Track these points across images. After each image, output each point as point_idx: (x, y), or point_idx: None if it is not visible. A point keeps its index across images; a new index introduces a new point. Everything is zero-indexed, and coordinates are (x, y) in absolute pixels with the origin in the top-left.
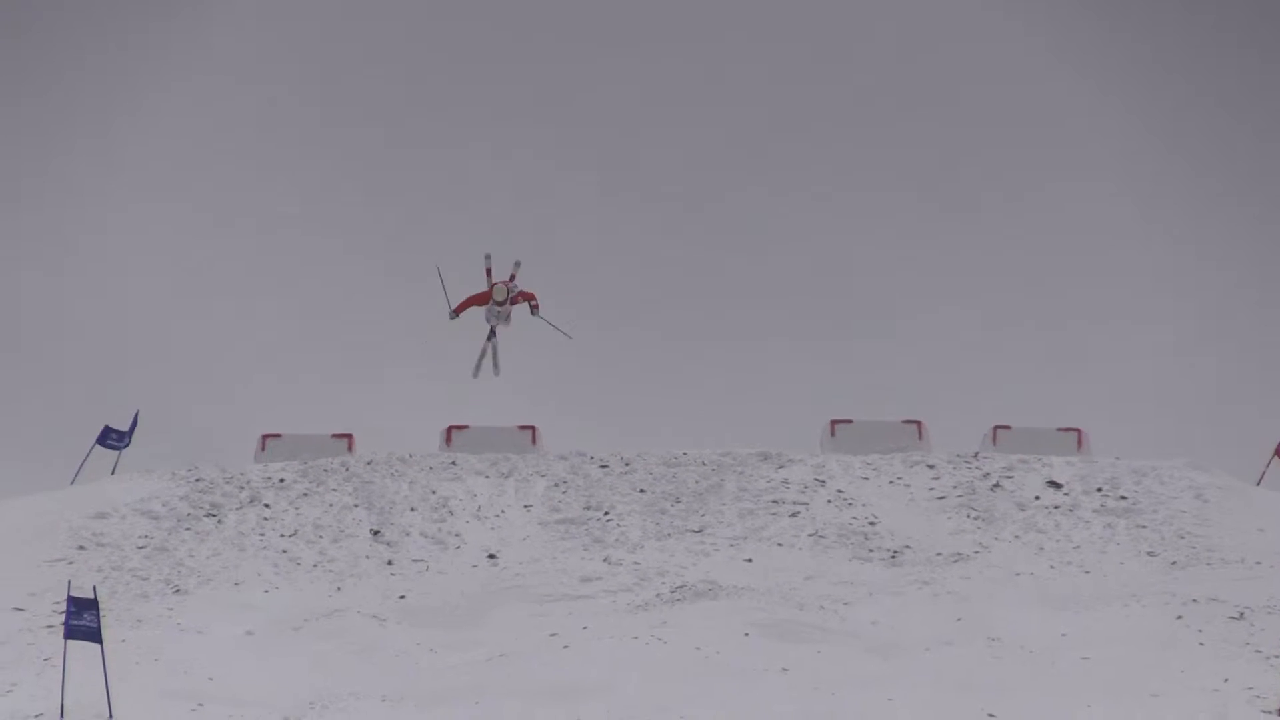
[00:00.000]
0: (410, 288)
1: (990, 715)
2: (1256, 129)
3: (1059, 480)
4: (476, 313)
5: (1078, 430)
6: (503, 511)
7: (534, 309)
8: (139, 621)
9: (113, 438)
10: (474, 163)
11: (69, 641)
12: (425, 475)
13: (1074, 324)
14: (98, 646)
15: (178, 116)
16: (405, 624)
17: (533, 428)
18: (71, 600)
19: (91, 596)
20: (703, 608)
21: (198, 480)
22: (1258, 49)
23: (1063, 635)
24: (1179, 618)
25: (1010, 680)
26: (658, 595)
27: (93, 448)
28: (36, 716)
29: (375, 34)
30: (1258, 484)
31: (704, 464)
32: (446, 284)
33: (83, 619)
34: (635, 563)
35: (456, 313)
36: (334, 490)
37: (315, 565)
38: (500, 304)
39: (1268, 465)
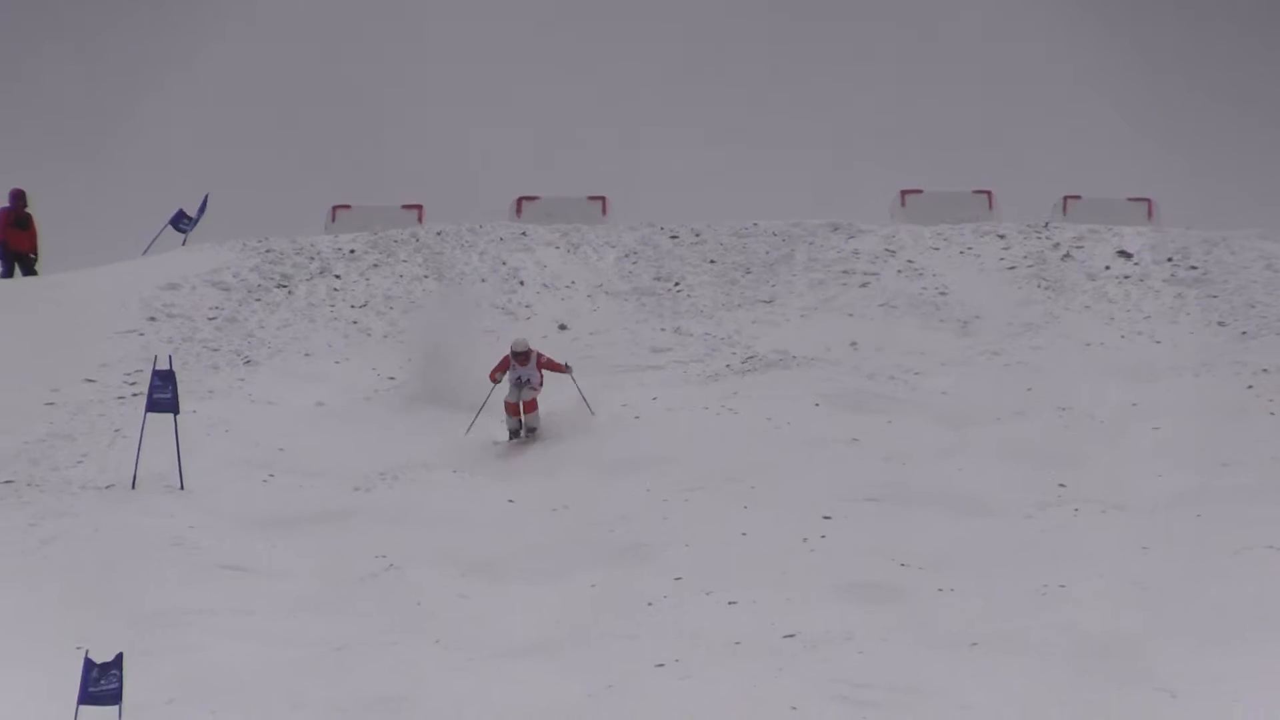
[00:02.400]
0: None
1: (1060, 485)
2: None
3: (1129, 250)
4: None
5: (1148, 200)
6: (572, 282)
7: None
8: (210, 393)
9: (184, 221)
10: None
11: (148, 414)
12: (495, 246)
13: (1156, 93)
14: (170, 418)
15: None
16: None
17: (603, 198)
18: (156, 374)
19: (170, 369)
20: (773, 378)
21: (268, 251)
22: None
23: (1133, 405)
24: (1249, 387)
25: (1080, 450)
26: (728, 366)
27: (165, 228)
28: (107, 487)
29: None
30: None
31: (774, 234)
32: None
33: (165, 392)
34: (705, 333)
35: (493, 379)
36: (404, 261)
37: (385, 336)
38: (520, 356)
39: None
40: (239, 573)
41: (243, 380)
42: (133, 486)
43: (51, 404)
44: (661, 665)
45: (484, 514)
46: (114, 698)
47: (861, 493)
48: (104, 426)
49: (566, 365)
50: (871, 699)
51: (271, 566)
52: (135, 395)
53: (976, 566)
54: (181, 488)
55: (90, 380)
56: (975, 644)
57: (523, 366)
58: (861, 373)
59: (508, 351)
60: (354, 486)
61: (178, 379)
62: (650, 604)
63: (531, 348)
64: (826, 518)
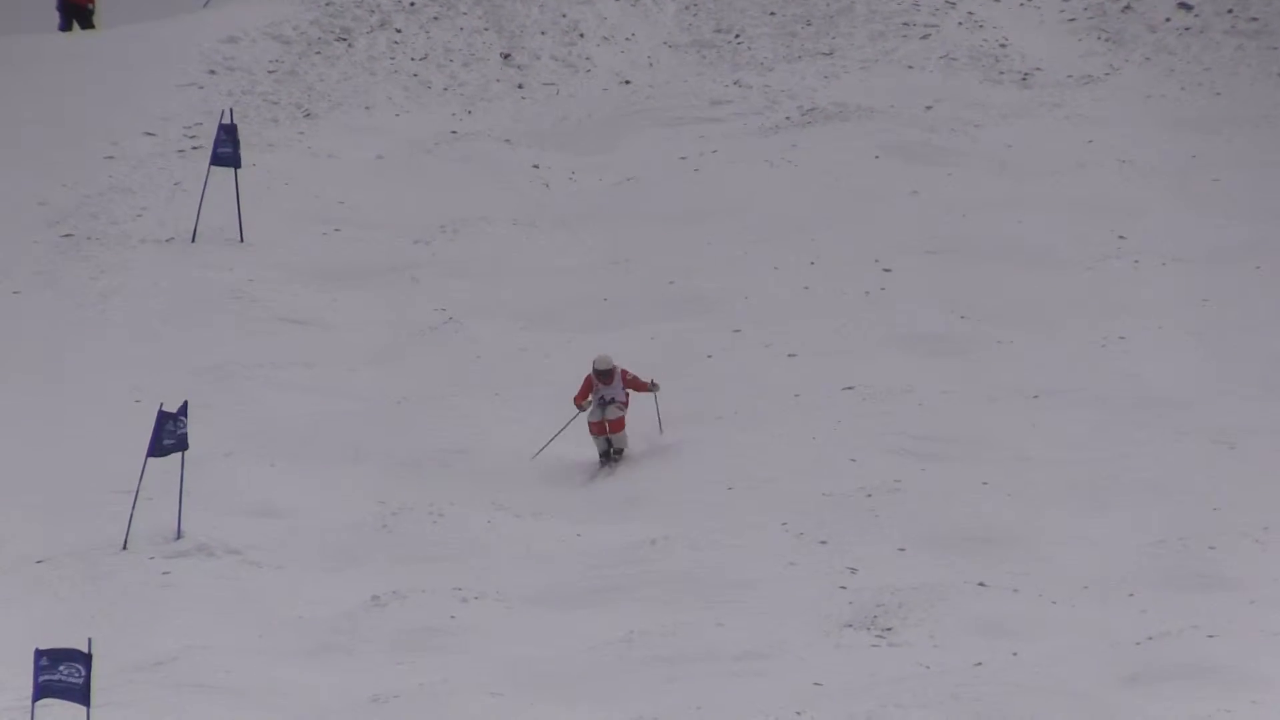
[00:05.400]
0: None
1: (1121, 237)
2: None
3: (1189, 2)
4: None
5: None
6: (633, 35)
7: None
8: (269, 146)
9: None
10: None
11: (211, 168)
12: None
13: None
14: (231, 172)
15: None
16: (535, 148)
17: None
18: (221, 128)
19: (233, 123)
20: (833, 129)
21: (328, 4)
22: None
23: (1193, 157)
24: None
25: (1140, 202)
26: (787, 118)
27: None
28: (167, 240)
29: None
30: None
31: None
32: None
33: (227, 146)
34: (765, 85)
35: (579, 405)
36: (464, 14)
37: (445, 89)
38: (604, 375)
39: None
40: (298, 326)
41: (302, 134)
42: (193, 240)
43: (111, 158)
44: (720, 418)
45: (543, 266)
46: (182, 444)
47: (922, 245)
48: (163, 180)
49: (653, 383)
50: (930, 451)
51: (331, 320)
52: (195, 149)
53: (1037, 319)
54: (241, 241)
55: (150, 134)
56: (1035, 396)
57: (607, 386)
58: (922, 125)
59: (590, 371)
60: (414, 240)
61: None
62: (709, 356)
63: (615, 364)
64: (887, 270)
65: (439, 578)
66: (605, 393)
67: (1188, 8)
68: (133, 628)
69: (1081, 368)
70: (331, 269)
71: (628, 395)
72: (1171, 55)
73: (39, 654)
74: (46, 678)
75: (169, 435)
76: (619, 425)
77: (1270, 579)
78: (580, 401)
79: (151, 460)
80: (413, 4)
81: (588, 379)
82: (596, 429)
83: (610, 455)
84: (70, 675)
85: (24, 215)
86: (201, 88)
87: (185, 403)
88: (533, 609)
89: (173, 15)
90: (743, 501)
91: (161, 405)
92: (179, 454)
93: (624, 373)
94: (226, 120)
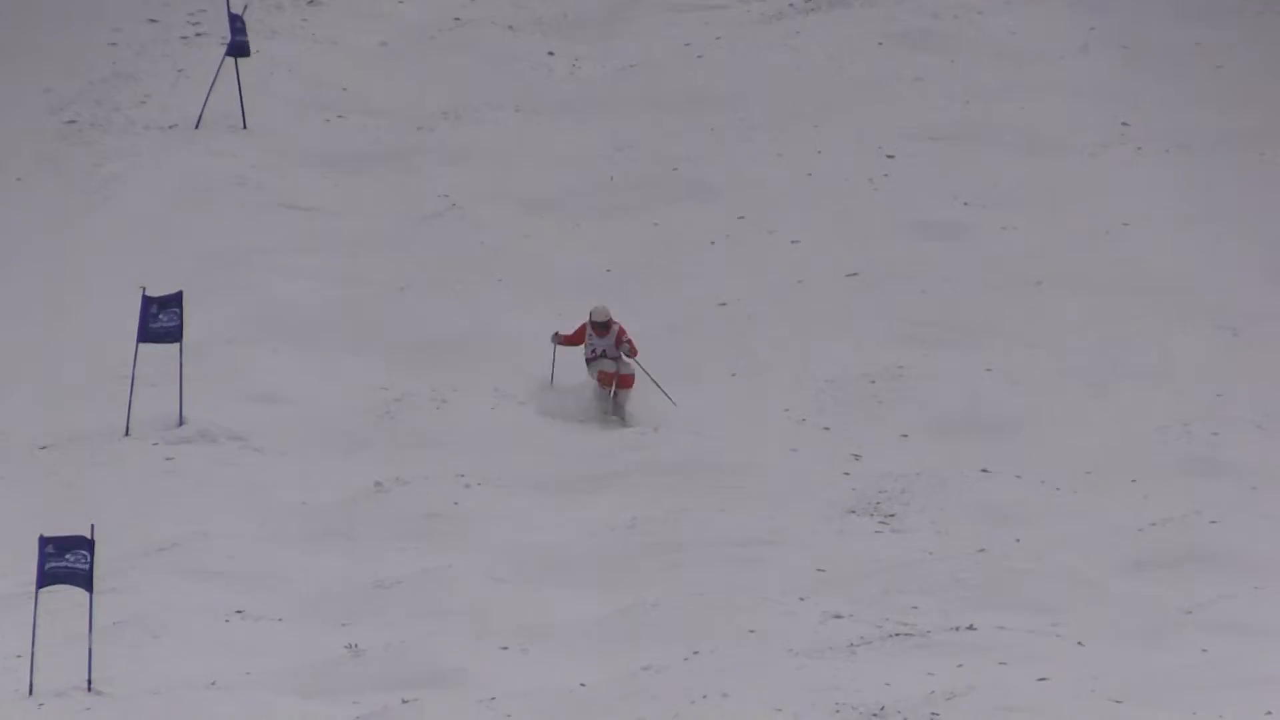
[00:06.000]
0: None
1: (1124, 124)
2: None
3: None
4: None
5: None
6: None
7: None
8: (273, 33)
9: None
10: None
11: (225, 58)
12: None
13: None
14: (232, 60)
15: None
16: (539, 34)
17: None
18: (232, 16)
19: (242, 14)
20: (836, 16)
21: None
22: None
23: (1196, 44)
24: None
25: (1143, 88)
26: (791, 5)
27: None
28: (170, 127)
29: None
30: None
31: None
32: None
33: (243, 35)
34: None
35: (564, 340)
36: None
37: None
38: (600, 327)
39: None
40: (301, 212)
41: (305, 21)
42: (196, 127)
43: (114, 44)
44: (724, 304)
45: (546, 153)
46: (174, 335)
47: (925, 132)
48: (167, 67)
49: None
50: (935, 336)
51: (333, 206)
52: (199, 35)
53: (1040, 205)
54: (244, 128)
55: (153, 20)
56: (1038, 283)
57: (601, 338)
58: (925, 12)
59: (585, 320)
60: (417, 126)
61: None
62: (713, 243)
63: (613, 319)
64: (890, 157)
65: (441, 464)
66: (598, 345)
67: None
68: (136, 513)
69: (1084, 254)
70: (334, 155)
71: (622, 356)
72: None
73: (44, 541)
74: (53, 565)
75: (157, 322)
76: (629, 381)
77: (1272, 464)
78: (566, 339)
79: (153, 347)
80: None
81: (582, 327)
82: (605, 380)
83: (609, 413)
84: (77, 562)
85: (27, 102)
86: None
87: (180, 292)
88: (535, 495)
89: None
90: (745, 388)
91: (144, 289)
92: (177, 342)
93: (621, 331)
94: (236, 8)
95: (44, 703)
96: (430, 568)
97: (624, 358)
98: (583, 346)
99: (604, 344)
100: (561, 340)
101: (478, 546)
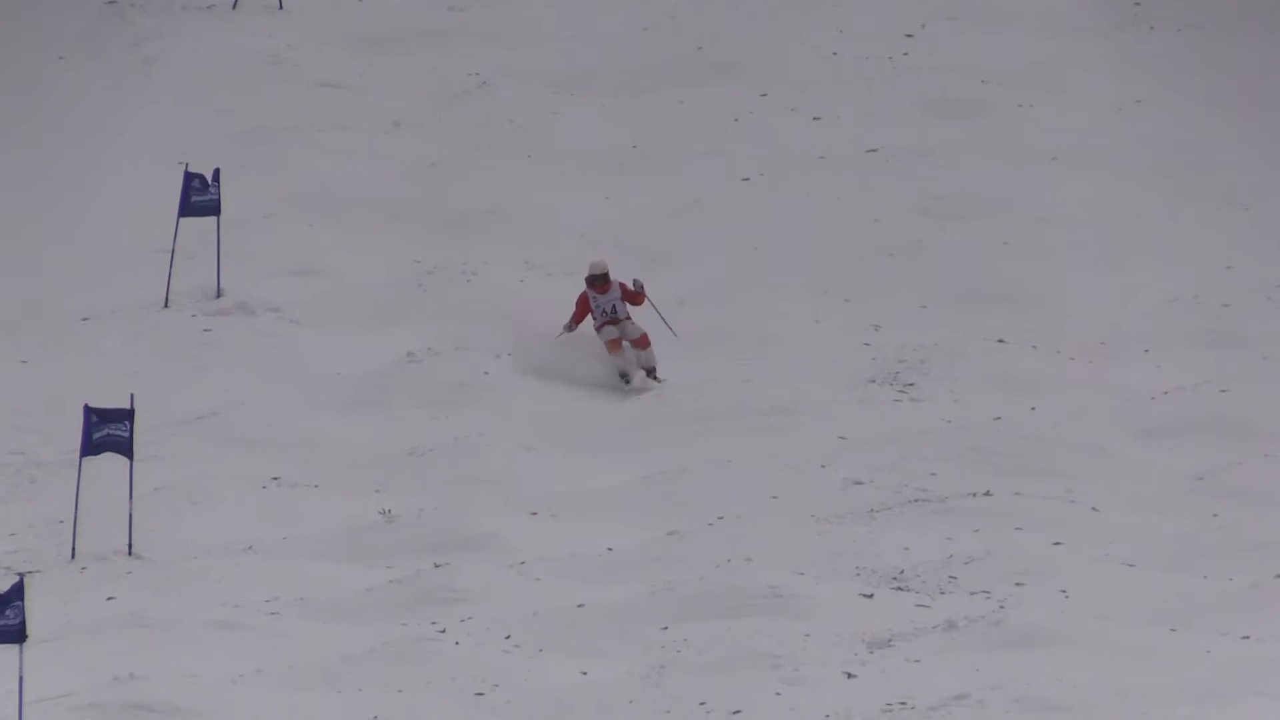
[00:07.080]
0: None
1: (1136, 3)
2: None
3: None
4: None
5: None
6: None
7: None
8: None
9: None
10: None
11: None
12: None
13: None
14: None
15: None
16: None
17: None
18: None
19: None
20: None
21: None
22: None
23: None
24: None
25: None
26: None
27: None
28: (208, 7)
29: None
30: None
31: None
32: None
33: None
34: None
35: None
36: None
37: None
38: (598, 281)
39: None
40: (336, 90)
41: None
42: (234, 7)
43: None
44: (747, 180)
45: (574, 32)
46: (214, 209)
47: (943, 11)
48: None
49: (637, 284)
50: (951, 211)
51: (368, 84)
52: None
53: (1056, 83)
54: (280, 8)
55: None
56: (1054, 158)
57: (603, 294)
58: None
59: (583, 288)
60: (449, 6)
61: None
62: (736, 120)
63: (610, 272)
64: (909, 36)
65: (473, 336)
66: (603, 302)
67: None
68: (174, 383)
69: (1099, 131)
70: (368, 34)
71: (627, 310)
72: None
73: (88, 410)
74: (98, 434)
75: (198, 194)
76: (644, 341)
77: None
78: (576, 321)
79: (191, 221)
80: None
81: (582, 297)
82: (614, 346)
83: (631, 376)
84: (119, 430)
85: None
86: None
87: (217, 169)
88: None
89: None
90: (767, 260)
91: (186, 165)
92: (215, 217)
93: (622, 285)
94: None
95: (86, 566)
96: (461, 436)
97: (630, 318)
98: (590, 317)
99: (607, 302)
100: (572, 326)
101: (508, 416)
